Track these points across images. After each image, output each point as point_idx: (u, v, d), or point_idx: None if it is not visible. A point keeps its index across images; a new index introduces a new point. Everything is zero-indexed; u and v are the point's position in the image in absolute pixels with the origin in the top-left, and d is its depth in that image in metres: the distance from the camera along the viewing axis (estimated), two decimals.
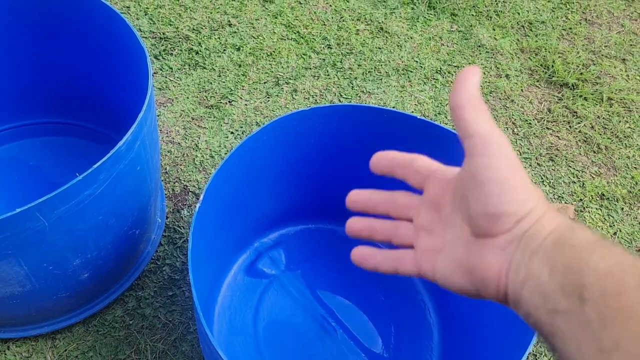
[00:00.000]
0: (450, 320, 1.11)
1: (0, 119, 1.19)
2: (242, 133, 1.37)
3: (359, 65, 1.57)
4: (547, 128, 1.51)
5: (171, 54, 1.49)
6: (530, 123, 1.51)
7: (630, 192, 1.42)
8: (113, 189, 0.81)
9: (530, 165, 1.42)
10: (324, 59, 1.57)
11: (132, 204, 0.91)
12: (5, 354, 1.00)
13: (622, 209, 1.38)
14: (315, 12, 1.68)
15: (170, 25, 1.55)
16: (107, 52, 1.00)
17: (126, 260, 1.02)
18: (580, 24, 1.82)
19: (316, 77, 1.52)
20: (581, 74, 1.65)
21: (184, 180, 1.26)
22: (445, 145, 0.93)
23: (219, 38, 1.55)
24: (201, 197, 0.79)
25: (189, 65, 1.48)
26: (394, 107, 1.49)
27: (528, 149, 1.46)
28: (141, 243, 1.06)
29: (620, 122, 1.56)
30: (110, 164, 0.77)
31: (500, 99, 1.56)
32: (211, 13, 1.61)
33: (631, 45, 1.78)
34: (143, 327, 1.06)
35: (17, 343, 1.01)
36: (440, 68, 1.60)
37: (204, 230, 0.86)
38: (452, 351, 1.09)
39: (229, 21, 1.60)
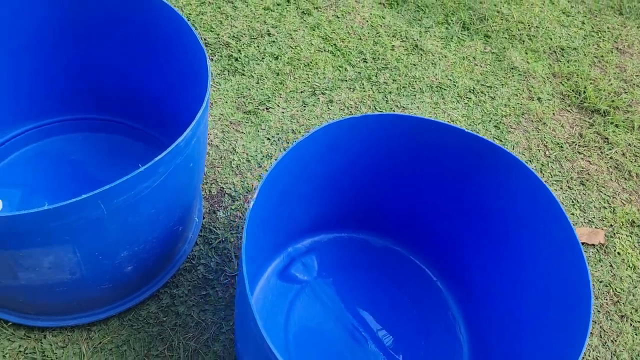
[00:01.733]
0: (481, 338, 1.11)
1: (49, 112, 1.22)
2: (279, 140, 1.39)
3: (393, 80, 1.59)
4: (578, 152, 1.52)
5: (211, 60, 1.52)
6: (562, 146, 1.52)
7: None
8: (167, 184, 0.83)
9: (562, 188, 1.43)
10: (359, 72, 1.59)
11: (180, 200, 0.92)
12: (42, 343, 1.01)
13: None
14: (352, 27, 1.71)
15: (212, 31, 1.58)
16: (165, 53, 1.03)
17: (166, 256, 1.04)
18: (612, 52, 1.84)
19: (352, 89, 1.54)
20: (612, 101, 1.66)
21: (221, 183, 1.28)
22: (491, 157, 0.94)
23: (258, 46, 1.58)
24: (255, 194, 0.80)
25: (229, 71, 1.50)
26: None
27: (559, 171, 1.47)
28: (180, 241, 1.07)
29: None
30: (169, 158, 0.78)
31: (532, 121, 1.57)
32: (251, 22, 1.64)
33: None
34: (176, 325, 1.07)
35: (53, 332, 1.02)
36: (474, 87, 1.62)
37: (250, 229, 0.87)
38: None
39: (268, 31, 1.63)
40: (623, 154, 1.54)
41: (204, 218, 1.21)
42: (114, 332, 1.04)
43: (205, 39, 1.55)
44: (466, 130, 0.92)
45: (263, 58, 1.56)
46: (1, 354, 0.99)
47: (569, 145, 1.53)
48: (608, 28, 1.93)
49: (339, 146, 1.00)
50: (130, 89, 1.17)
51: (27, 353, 1.00)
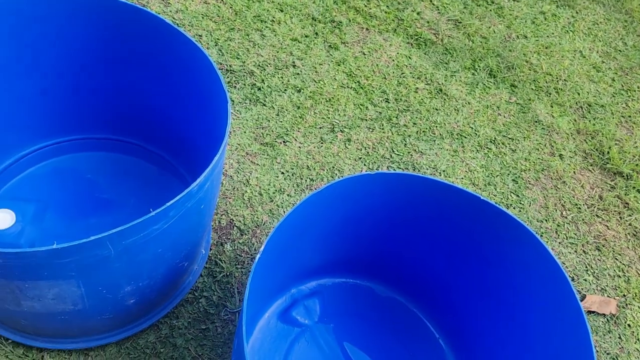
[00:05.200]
0: None
1: (68, 129, 1.23)
2: (292, 175, 1.38)
3: (414, 123, 1.58)
4: (596, 215, 1.49)
5: (234, 87, 1.53)
6: (580, 208, 1.50)
7: None
8: (177, 225, 0.82)
9: (576, 252, 1.40)
10: (380, 112, 1.59)
11: (189, 239, 0.92)
12: None
13: None
14: (377, 65, 1.71)
15: (238, 58, 1.60)
16: (186, 85, 1.04)
17: (170, 289, 1.03)
18: None
19: (371, 130, 1.54)
20: (637, 164, 1.63)
21: (231, 214, 1.28)
22: (496, 222, 0.93)
23: (282, 77, 1.59)
24: (262, 249, 0.79)
25: (250, 100, 1.51)
26: (444, 171, 1.49)
27: (575, 234, 1.44)
28: (185, 274, 1.07)
29: None
30: (181, 202, 0.78)
31: (552, 178, 1.55)
32: (277, 52, 1.65)
33: None
34: (173, 357, 1.06)
35: (51, 354, 1.02)
36: (495, 138, 1.61)
37: (255, 278, 0.87)
38: None
39: (294, 62, 1.64)
40: None
41: (210, 249, 1.21)
42: (111, 358, 1.04)
43: (230, 66, 1.57)
44: (479, 196, 0.91)
45: (285, 90, 1.56)
46: None
47: (588, 207, 1.51)
48: (639, 87, 1.91)
49: (353, 198, 1.00)
50: (150, 114, 1.18)
51: None
